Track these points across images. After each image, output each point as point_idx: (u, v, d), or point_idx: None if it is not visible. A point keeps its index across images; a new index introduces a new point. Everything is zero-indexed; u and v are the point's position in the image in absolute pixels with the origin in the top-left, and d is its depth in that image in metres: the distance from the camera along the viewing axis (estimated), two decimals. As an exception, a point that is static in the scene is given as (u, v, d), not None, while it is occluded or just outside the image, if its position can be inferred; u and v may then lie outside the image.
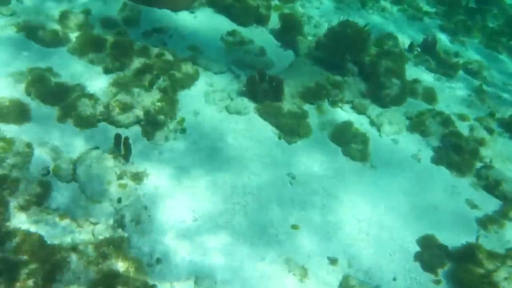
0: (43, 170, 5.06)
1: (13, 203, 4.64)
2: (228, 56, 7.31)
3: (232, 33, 7.75)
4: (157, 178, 5.39)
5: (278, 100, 6.72)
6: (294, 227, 5.41)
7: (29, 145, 5.15)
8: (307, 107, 6.95)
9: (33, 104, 5.70)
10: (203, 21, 7.97)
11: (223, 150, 5.96)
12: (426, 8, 10.72)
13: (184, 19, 7.91)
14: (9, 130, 5.31)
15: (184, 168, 5.60)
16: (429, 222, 5.96)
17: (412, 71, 8.50)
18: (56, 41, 6.65)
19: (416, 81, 8.14)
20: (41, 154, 5.17)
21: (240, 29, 7.97)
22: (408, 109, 7.54)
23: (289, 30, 8.05)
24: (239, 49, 7.45)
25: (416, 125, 7.27)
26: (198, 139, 5.99)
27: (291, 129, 6.42)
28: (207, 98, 6.53)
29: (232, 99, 6.61)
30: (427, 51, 9.04)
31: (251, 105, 6.64)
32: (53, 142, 5.37)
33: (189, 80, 6.62)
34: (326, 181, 6.04)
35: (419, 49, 9.09)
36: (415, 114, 7.45)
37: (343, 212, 5.74)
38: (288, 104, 6.77)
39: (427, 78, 8.57)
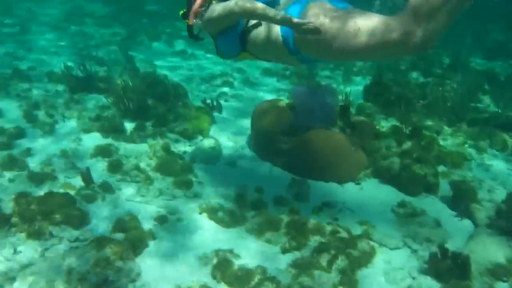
0: None
1: None
2: (401, 229, 7.07)
3: (402, 204, 7.59)
4: None
5: (465, 278, 6.16)
6: None
7: (219, 335, 5.23)
8: (499, 285, 6.25)
9: (220, 289, 5.91)
10: (370, 193, 8.00)
11: None
12: None
13: (351, 191, 8.02)
14: (200, 317, 5.48)
15: None
16: None
17: None
18: (235, 221, 7.05)
19: None
20: None
21: (409, 199, 7.81)
22: None
23: (461, 198, 7.67)
24: (412, 222, 7.20)
25: None
26: (384, 326, 5.61)
27: (486, 313, 5.76)
28: (386, 278, 6.21)
29: (413, 278, 6.22)
30: None
31: (435, 285, 6.16)
32: (240, 331, 5.39)
33: (366, 258, 6.43)
34: None
35: None
36: None
37: None
38: (477, 283, 6.16)
39: None
